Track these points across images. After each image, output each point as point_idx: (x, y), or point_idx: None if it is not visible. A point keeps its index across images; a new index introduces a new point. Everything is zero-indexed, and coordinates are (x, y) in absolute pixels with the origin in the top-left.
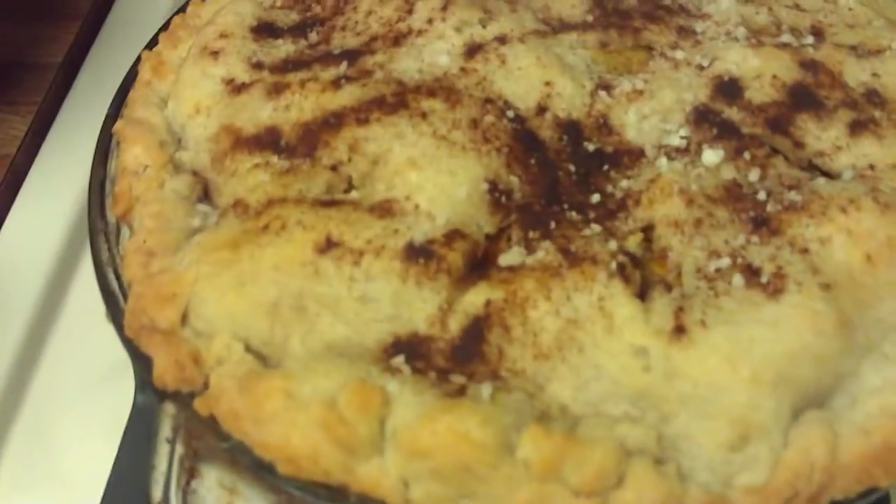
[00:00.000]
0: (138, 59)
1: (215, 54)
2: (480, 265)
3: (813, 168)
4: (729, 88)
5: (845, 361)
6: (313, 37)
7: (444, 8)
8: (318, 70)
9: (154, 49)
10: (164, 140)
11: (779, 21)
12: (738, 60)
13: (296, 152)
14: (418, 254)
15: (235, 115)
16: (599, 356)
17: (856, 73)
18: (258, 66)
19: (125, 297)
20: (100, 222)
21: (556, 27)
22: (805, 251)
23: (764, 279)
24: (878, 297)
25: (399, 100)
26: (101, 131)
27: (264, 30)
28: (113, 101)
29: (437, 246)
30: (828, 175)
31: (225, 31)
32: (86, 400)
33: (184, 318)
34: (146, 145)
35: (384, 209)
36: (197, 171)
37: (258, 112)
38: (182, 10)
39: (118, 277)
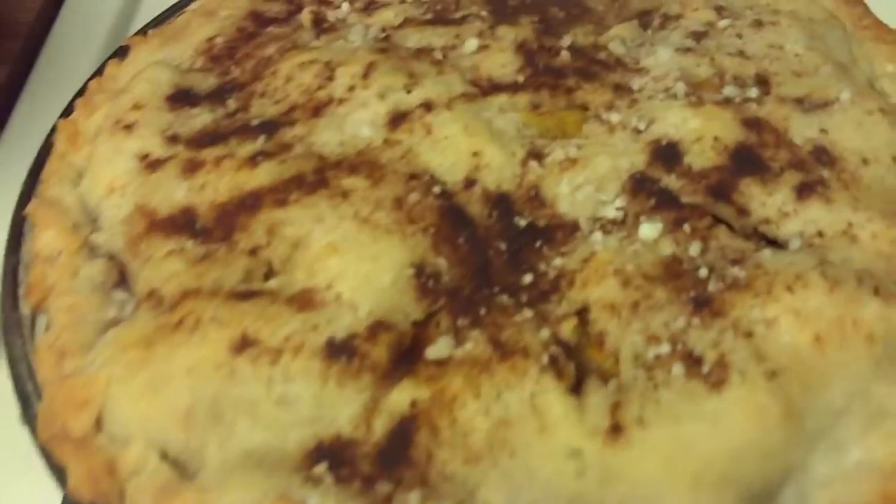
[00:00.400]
0: (53, 128)
1: (129, 127)
2: (407, 357)
3: (759, 236)
4: (667, 154)
5: (793, 452)
6: (231, 104)
7: (366, 74)
8: (235, 145)
9: (69, 117)
10: (78, 222)
11: (722, 71)
12: (677, 122)
13: (212, 236)
14: (339, 351)
15: (150, 195)
16: (532, 459)
17: (802, 130)
18: (174, 139)
19: (41, 397)
20: (13, 314)
21: (485, 89)
22: (749, 335)
23: (705, 369)
24: (827, 380)
25: (319, 178)
26: (14, 213)
27: (181, 98)
28: (27, 176)
29: (360, 341)
30: (775, 243)
31: (139, 101)
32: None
33: (99, 423)
34: (59, 229)
35: (304, 300)
36: (113, 255)
37: (173, 192)
38: (99, 72)
39: (33, 376)
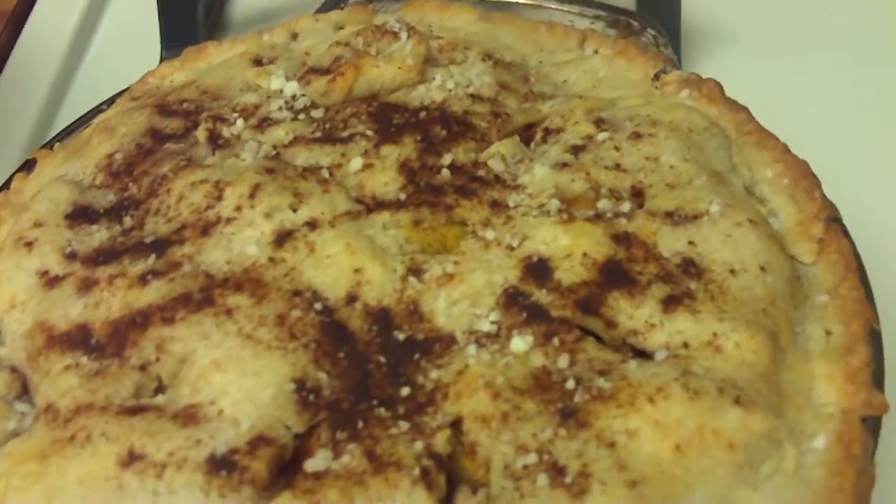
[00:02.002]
0: None
1: (29, 245)
2: (288, 469)
3: (628, 347)
4: (538, 270)
5: None
6: (128, 221)
7: (253, 194)
8: (128, 263)
9: None
10: None
11: (597, 185)
12: (548, 239)
13: (105, 352)
14: (220, 465)
15: (49, 312)
16: None
17: (671, 243)
18: (72, 256)
19: None
20: None
21: (369, 206)
22: (612, 445)
23: (568, 479)
24: (689, 487)
25: (205, 296)
26: None
27: (79, 215)
28: None
29: (240, 456)
30: (643, 354)
31: (39, 219)
32: None
33: None
34: None
35: (188, 416)
36: (15, 367)
37: (70, 308)
38: (6, 185)
39: None
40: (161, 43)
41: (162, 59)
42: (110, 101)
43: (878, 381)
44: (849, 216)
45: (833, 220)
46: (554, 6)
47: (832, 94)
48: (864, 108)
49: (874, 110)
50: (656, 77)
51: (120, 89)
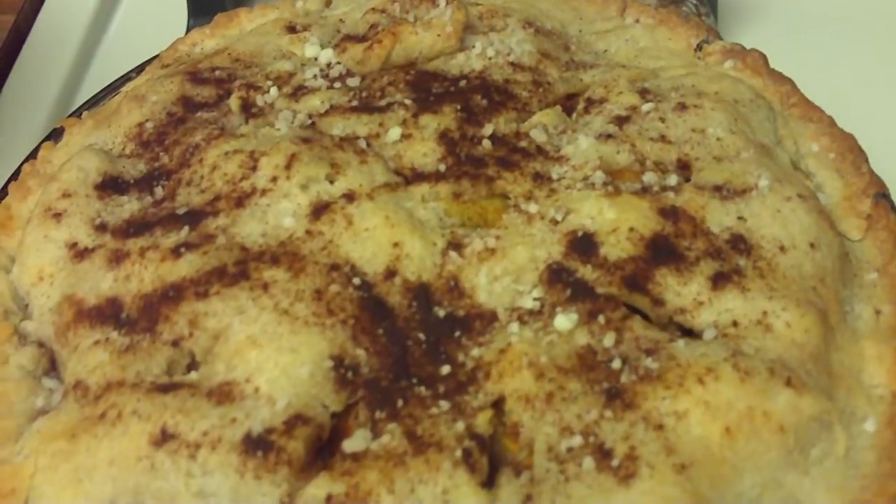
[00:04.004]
0: None
1: (58, 216)
2: (324, 450)
3: (675, 326)
4: (583, 245)
5: None
6: (159, 192)
7: (289, 165)
8: (160, 235)
9: (3, 202)
10: (9, 309)
11: (642, 158)
12: (594, 213)
13: (136, 326)
14: (256, 446)
15: (77, 285)
16: None
17: (720, 218)
18: (102, 227)
19: None
20: None
21: (408, 178)
22: (660, 427)
23: (615, 462)
24: (738, 471)
25: (240, 269)
26: None
27: (109, 186)
28: None
29: (277, 435)
30: (690, 333)
31: (68, 189)
32: None
33: None
34: None
35: (223, 394)
36: (42, 343)
37: (99, 282)
38: (33, 154)
39: None
40: (188, 11)
41: (189, 29)
42: (139, 69)
43: None
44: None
45: (881, 195)
46: None
47: (875, 65)
48: None
49: None
50: (699, 47)
51: (145, 59)
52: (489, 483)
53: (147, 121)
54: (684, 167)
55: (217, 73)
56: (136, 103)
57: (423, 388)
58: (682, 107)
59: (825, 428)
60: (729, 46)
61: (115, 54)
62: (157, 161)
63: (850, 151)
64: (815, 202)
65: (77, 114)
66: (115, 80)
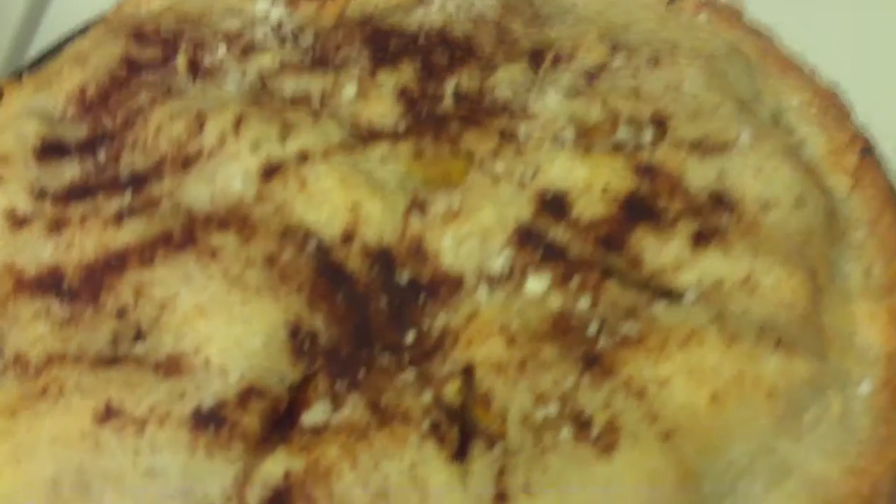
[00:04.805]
0: None
1: None
2: (282, 424)
3: (654, 288)
4: (554, 205)
5: None
6: (102, 156)
7: (237, 125)
8: (102, 200)
9: None
10: None
11: (615, 114)
12: (564, 172)
13: (78, 297)
14: (207, 420)
15: (17, 254)
16: None
17: (699, 175)
18: (41, 194)
19: None
20: None
21: (365, 137)
22: (642, 394)
23: (595, 432)
24: (727, 439)
25: (187, 235)
26: None
27: (49, 150)
28: None
29: (230, 410)
30: (670, 295)
31: (5, 154)
32: None
33: None
34: None
35: (171, 366)
36: None
37: (40, 251)
38: None
39: None
40: None
41: None
42: (83, 31)
43: None
44: (882, 144)
45: (866, 150)
46: None
47: (860, 11)
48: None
49: None
50: (671, 0)
51: (96, 16)
52: (460, 455)
53: (89, 82)
54: (660, 123)
55: (163, 32)
56: (78, 65)
57: (386, 357)
58: (656, 61)
59: (818, 392)
60: None
61: (67, 13)
62: (99, 124)
63: (833, 105)
64: (798, 157)
65: (17, 76)
66: (60, 42)
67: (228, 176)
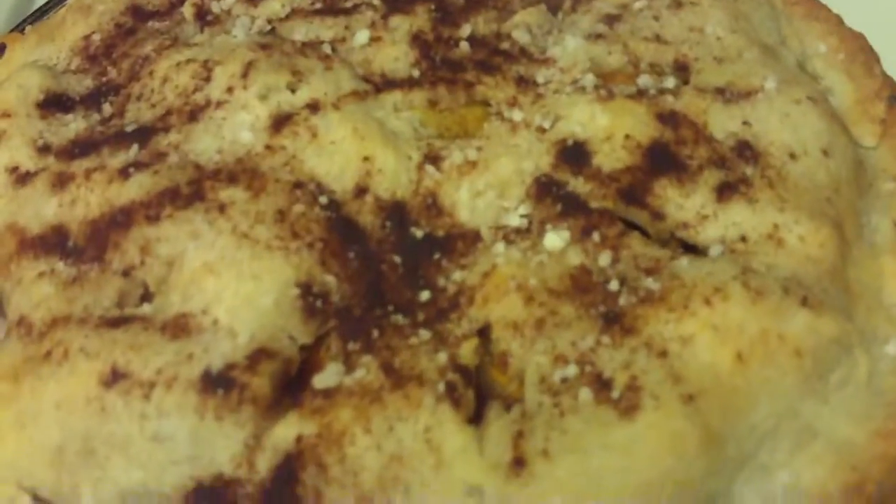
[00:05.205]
0: None
1: None
2: (293, 387)
3: (677, 242)
4: (574, 154)
5: (714, 481)
6: (107, 108)
7: (246, 74)
8: (107, 155)
9: None
10: None
11: (636, 59)
12: (585, 119)
13: (84, 256)
14: (216, 383)
15: (20, 212)
16: (428, 498)
17: (723, 123)
18: (45, 149)
19: None
20: None
21: (378, 85)
22: (664, 354)
23: (615, 394)
24: (751, 400)
25: (194, 190)
26: None
27: (53, 103)
28: None
29: (239, 372)
30: (694, 250)
31: (7, 109)
32: None
33: None
34: None
35: (179, 327)
36: None
37: (43, 208)
38: None
39: None
40: None
41: None
42: None
43: None
44: None
45: (895, 98)
46: None
47: None
48: None
49: None
50: None
51: None
52: (476, 419)
53: (94, 33)
54: (682, 69)
55: None
56: (82, 14)
57: (400, 317)
58: (678, 3)
59: (845, 351)
60: None
61: None
62: (104, 76)
63: (861, 52)
64: (826, 105)
65: (20, 28)
66: None
67: (237, 127)
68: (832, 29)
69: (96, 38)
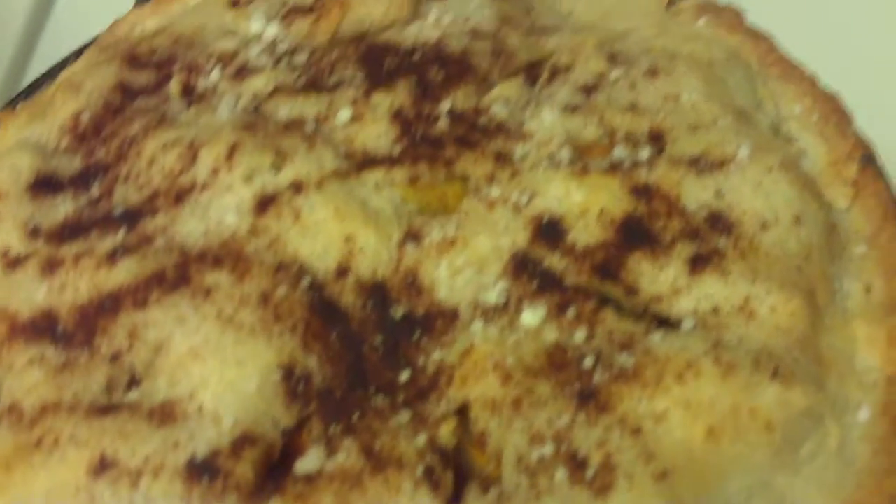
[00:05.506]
0: None
1: None
2: (276, 472)
3: (651, 316)
4: (550, 231)
5: None
6: (95, 189)
7: (230, 155)
8: (95, 239)
9: None
10: None
11: (612, 130)
12: (560, 195)
13: (73, 341)
14: (201, 470)
15: (11, 297)
16: None
17: (696, 194)
18: (35, 232)
19: None
20: None
21: (360, 162)
22: (638, 431)
23: (590, 472)
24: (723, 475)
25: (180, 274)
26: None
27: (43, 185)
28: None
29: (224, 458)
30: (667, 323)
31: (0, 191)
32: None
33: None
34: None
35: (165, 414)
36: None
37: (34, 293)
38: None
39: None
40: None
41: (137, 2)
42: (78, 54)
43: None
44: (886, 152)
45: (867, 158)
46: None
47: (862, 15)
48: None
49: None
50: (671, 3)
51: (96, 34)
52: (455, 500)
53: (83, 111)
54: (657, 138)
55: (157, 55)
56: (72, 92)
57: (380, 398)
58: (654, 72)
59: (816, 421)
60: (702, 2)
61: (63, 34)
62: (93, 155)
63: (835, 112)
64: (798, 171)
65: (13, 105)
66: (53, 67)
67: (222, 209)
68: (806, 90)
69: (85, 116)
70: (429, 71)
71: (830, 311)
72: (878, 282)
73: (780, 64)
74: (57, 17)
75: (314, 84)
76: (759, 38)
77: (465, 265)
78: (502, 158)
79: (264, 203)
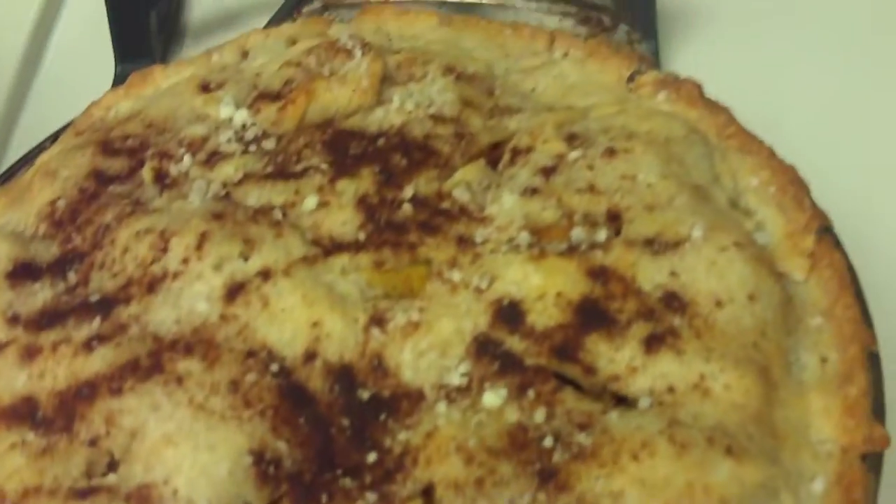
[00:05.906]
0: None
1: None
2: None
3: (609, 395)
4: (509, 314)
5: None
6: (72, 277)
7: (200, 245)
8: (72, 327)
9: None
10: None
11: (570, 212)
12: (518, 279)
13: (53, 426)
14: None
15: None
16: None
17: (651, 275)
18: (14, 320)
19: None
20: None
21: (327, 248)
22: None
23: None
24: None
25: (154, 362)
26: None
27: (21, 272)
28: None
29: None
30: (625, 402)
31: None
32: None
33: None
34: None
35: (142, 498)
36: None
37: (14, 379)
38: None
39: None
40: (115, 58)
41: (117, 75)
42: (54, 137)
43: (878, 409)
44: (843, 221)
45: (824, 230)
46: (520, 4)
47: (823, 74)
48: (858, 89)
49: (870, 91)
50: (631, 78)
51: (77, 112)
52: None
53: (59, 198)
54: (614, 218)
55: (129, 141)
56: (48, 179)
57: (348, 480)
58: (612, 152)
59: (771, 494)
60: (662, 77)
61: (44, 110)
62: (70, 242)
63: (792, 184)
64: (753, 249)
65: None
66: (30, 151)
67: (193, 297)
68: (763, 162)
69: (61, 203)
70: (392, 157)
71: (786, 384)
72: (834, 353)
73: (738, 136)
74: (35, 96)
75: (282, 171)
76: (717, 110)
77: (429, 348)
78: (464, 242)
79: (234, 291)
